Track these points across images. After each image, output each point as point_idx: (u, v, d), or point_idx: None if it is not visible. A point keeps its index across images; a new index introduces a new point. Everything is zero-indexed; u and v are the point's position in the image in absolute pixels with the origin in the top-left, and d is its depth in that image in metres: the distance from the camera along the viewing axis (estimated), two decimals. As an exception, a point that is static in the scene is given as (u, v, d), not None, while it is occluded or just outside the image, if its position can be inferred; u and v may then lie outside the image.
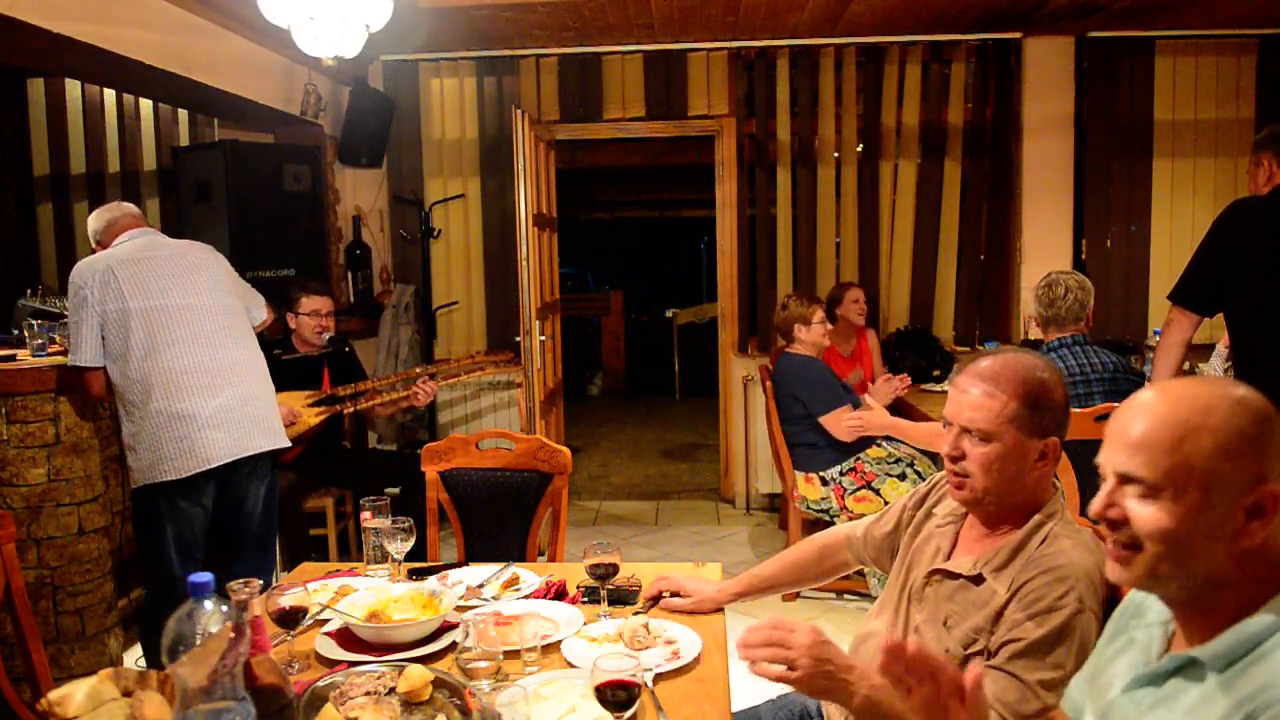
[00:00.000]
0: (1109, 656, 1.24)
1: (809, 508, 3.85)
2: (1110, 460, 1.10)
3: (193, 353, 2.76)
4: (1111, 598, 1.45)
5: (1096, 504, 1.10)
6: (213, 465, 2.74)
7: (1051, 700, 1.40)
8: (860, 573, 3.70)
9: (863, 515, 3.61)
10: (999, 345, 4.73)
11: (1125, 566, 1.09)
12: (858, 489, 3.71)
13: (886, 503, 3.56)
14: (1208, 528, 1.03)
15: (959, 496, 1.58)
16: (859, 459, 3.76)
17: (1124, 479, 1.08)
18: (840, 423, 3.71)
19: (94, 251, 2.96)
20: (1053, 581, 1.44)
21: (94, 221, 3.01)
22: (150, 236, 2.96)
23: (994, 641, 1.47)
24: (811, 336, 3.85)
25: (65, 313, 3.50)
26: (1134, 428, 1.08)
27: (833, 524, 3.64)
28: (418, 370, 4.06)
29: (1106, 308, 5.07)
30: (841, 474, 3.76)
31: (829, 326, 3.92)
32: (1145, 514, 1.06)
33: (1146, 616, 1.21)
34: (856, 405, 3.82)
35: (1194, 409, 1.05)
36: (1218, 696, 1.02)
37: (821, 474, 3.79)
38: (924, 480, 3.55)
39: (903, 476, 3.69)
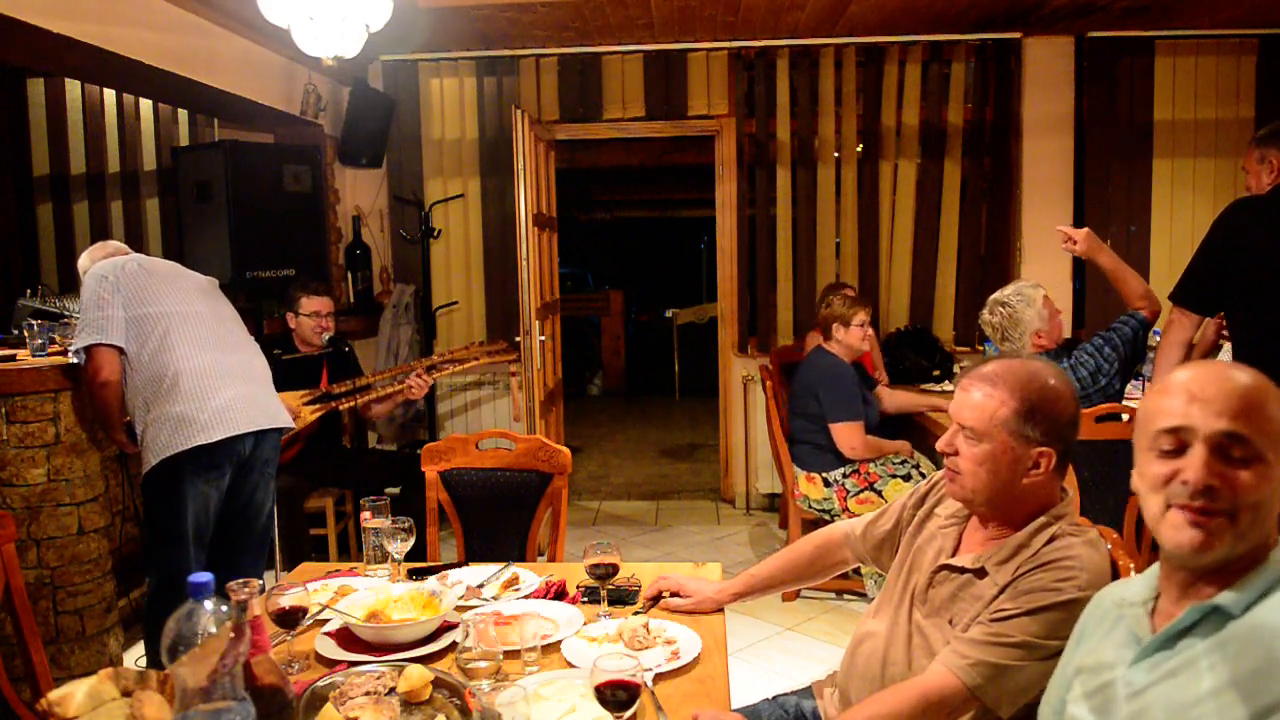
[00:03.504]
0: (1092, 642, 1.23)
1: (810, 506, 3.84)
2: (1209, 423, 1.07)
3: (206, 353, 2.82)
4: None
5: (1196, 473, 1.06)
6: (236, 432, 2.79)
7: (1011, 659, 1.42)
8: (858, 572, 3.72)
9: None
10: (998, 347, 4.72)
11: (1211, 536, 1.06)
12: (860, 491, 3.70)
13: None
14: (1277, 494, 1.07)
15: (951, 491, 1.61)
16: (864, 460, 3.75)
17: (1225, 442, 1.06)
18: (848, 436, 3.67)
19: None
20: (1054, 572, 1.44)
21: (94, 254, 3.01)
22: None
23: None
24: (849, 339, 3.78)
25: (65, 313, 3.51)
26: (1225, 391, 1.07)
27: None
28: (412, 365, 4.07)
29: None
30: (845, 476, 3.75)
31: (869, 331, 3.83)
32: (1249, 480, 1.05)
33: (1127, 594, 1.20)
34: (871, 424, 3.79)
35: (1260, 378, 1.10)
36: (1238, 644, 1.02)
37: (824, 474, 3.78)
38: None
39: (907, 478, 3.68)
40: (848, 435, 3.68)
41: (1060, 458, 1.52)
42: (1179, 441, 1.09)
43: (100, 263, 2.86)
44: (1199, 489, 1.06)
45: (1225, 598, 1.05)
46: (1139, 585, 1.19)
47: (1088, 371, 3.05)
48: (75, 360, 2.91)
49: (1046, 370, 1.54)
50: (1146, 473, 1.13)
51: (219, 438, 2.75)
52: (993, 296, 3.27)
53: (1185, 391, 1.10)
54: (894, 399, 4.15)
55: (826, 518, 3.76)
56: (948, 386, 4.54)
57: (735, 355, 5.31)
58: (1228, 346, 3.39)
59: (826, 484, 3.77)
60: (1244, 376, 1.09)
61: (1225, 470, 1.06)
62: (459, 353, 4.21)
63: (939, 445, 1.60)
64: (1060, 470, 1.54)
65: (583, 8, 4.28)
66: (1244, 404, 1.06)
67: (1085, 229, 3.18)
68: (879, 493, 3.67)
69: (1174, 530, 1.08)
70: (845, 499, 3.71)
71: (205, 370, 2.80)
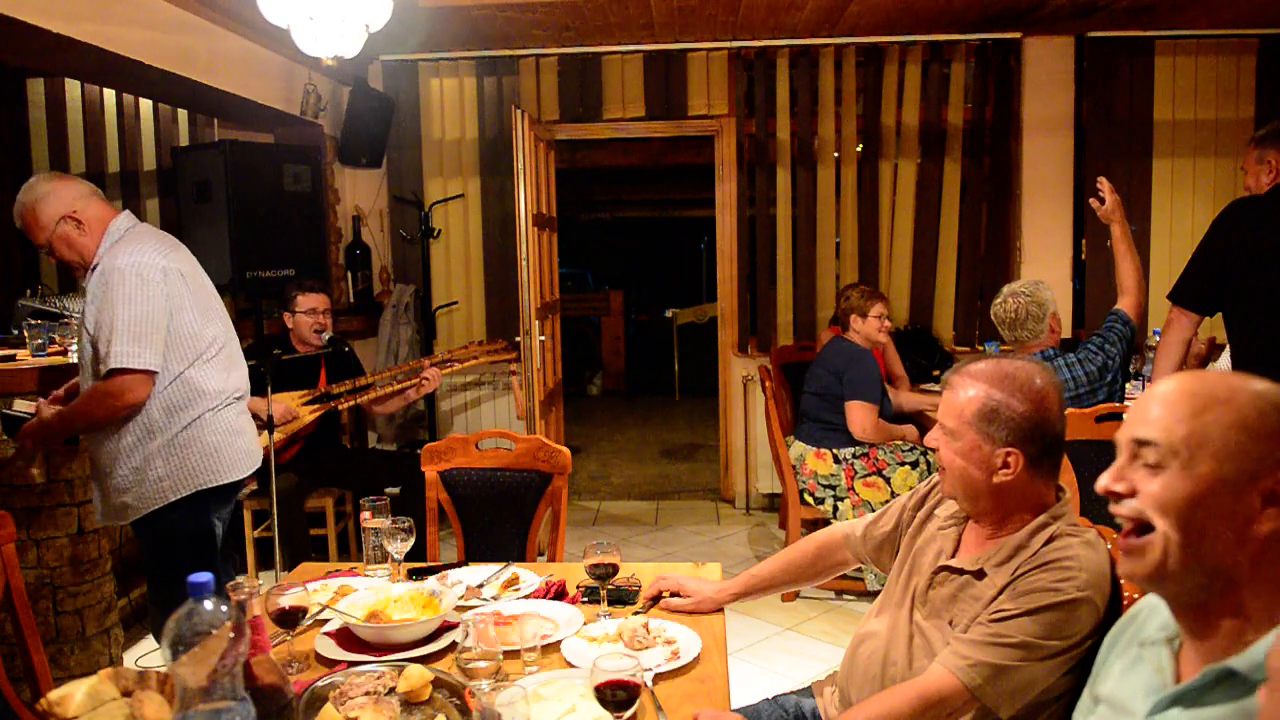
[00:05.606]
0: (1118, 672, 1.18)
1: (817, 481, 3.85)
2: (1125, 430, 1.07)
3: (226, 376, 2.62)
4: (1116, 601, 1.45)
5: (1106, 476, 1.06)
6: (257, 465, 2.68)
7: (1010, 659, 1.41)
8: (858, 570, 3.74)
9: (868, 500, 3.64)
10: (999, 346, 4.73)
11: (1137, 557, 1.03)
12: (868, 474, 3.75)
13: (894, 491, 3.67)
14: (1220, 507, 0.99)
15: (944, 489, 1.63)
16: (874, 445, 3.81)
17: (1137, 447, 1.04)
18: (861, 416, 3.74)
19: (61, 225, 2.44)
20: (1053, 572, 1.44)
21: (65, 190, 2.47)
22: (156, 231, 2.69)
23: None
24: (866, 330, 3.93)
25: (65, 313, 3.50)
26: (1154, 401, 1.05)
27: (837, 505, 3.69)
28: (422, 361, 4.09)
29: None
30: (854, 456, 3.80)
31: (887, 324, 3.97)
32: (1155, 483, 1.01)
33: (1147, 630, 1.15)
34: (888, 412, 3.87)
35: (1217, 387, 1.03)
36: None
37: (835, 451, 3.82)
38: (934, 468, 3.62)
39: (915, 465, 3.74)
40: (861, 415, 3.75)
41: (1034, 459, 1.50)
42: (1117, 453, 1.09)
43: (140, 259, 2.43)
44: (1105, 492, 1.05)
45: (1238, 661, 0.97)
46: (1158, 621, 1.14)
47: (1095, 367, 3.09)
48: (101, 369, 2.43)
49: (1027, 372, 1.52)
50: None
51: (250, 471, 2.63)
52: (1005, 289, 3.31)
53: (1137, 402, 1.09)
54: (897, 398, 4.18)
55: (831, 496, 3.80)
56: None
57: (735, 355, 5.31)
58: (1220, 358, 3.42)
59: (836, 460, 3.81)
60: (1190, 383, 1.05)
61: (1131, 474, 1.04)
62: (458, 352, 4.23)
63: (925, 440, 1.64)
64: (1042, 472, 1.52)
65: (583, 8, 4.28)
66: (1164, 409, 1.03)
67: (1118, 197, 3.22)
68: (886, 479, 3.72)
69: (1118, 556, 1.08)
70: (852, 479, 3.76)
71: (228, 397, 2.60)
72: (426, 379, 3.99)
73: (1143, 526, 1.03)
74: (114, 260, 2.43)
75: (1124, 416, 1.12)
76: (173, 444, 2.48)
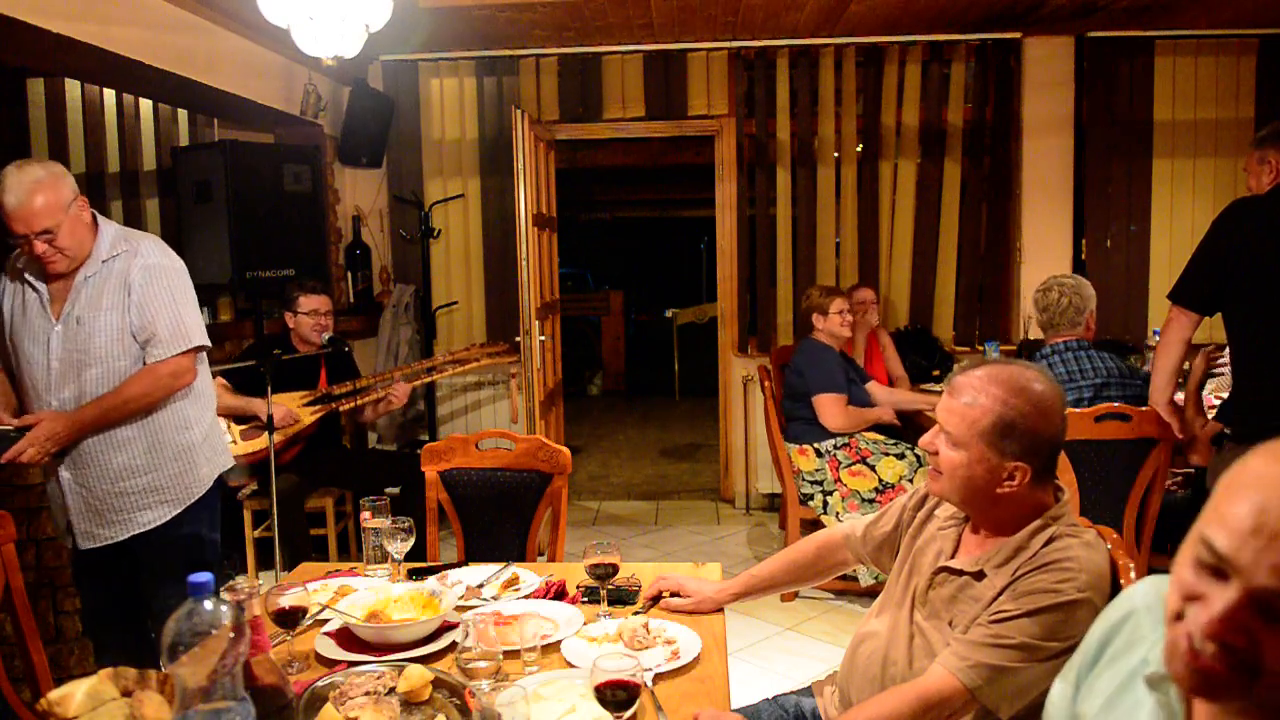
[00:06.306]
0: (1106, 695, 1.05)
1: (804, 479, 3.87)
2: (1258, 574, 0.79)
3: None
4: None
5: (1211, 623, 0.81)
6: None
7: (1010, 660, 1.41)
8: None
9: (857, 491, 3.66)
10: (999, 346, 4.73)
11: (1214, 689, 0.83)
12: (852, 463, 3.77)
13: (881, 479, 3.69)
14: None
15: (931, 488, 1.64)
16: (854, 436, 3.83)
17: (1274, 602, 0.78)
18: (829, 407, 3.80)
19: (74, 206, 2.31)
20: (1053, 573, 1.44)
21: (65, 178, 2.33)
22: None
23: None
24: (829, 326, 3.99)
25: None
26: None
27: (827, 500, 3.70)
28: (392, 373, 4.08)
29: (1106, 307, 5.07)
30: (836, 447, 3.82)
31: (849, 319, 4.02)
32: None
33: (1150, 659, 1.00)
34: (862, 400, 3.91)
35: None
36: None
37: (816, 445, 3.85)
38: (923, 462, 3.63)
39: (901, 456, 3.74)
40: (829, 406, 3.80)
41: (1039, 472, 1.51)
42: (1218, 566, 0.82)
43: (164, 247, 2.49)
44: (1209, 638, 0.81)
45: None
46: (1161, 649, 0.95)
47: (1116, 363, 3.13)
48: (159, 354, 2.42)
49: (1037, 382, 1.52)
50: (1181, 563, 0.86)
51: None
52: (1050, 278, 3.27)
53: (1259, 508, 0.79)
54: (890, 396, 4.17)
55: (820, 491, 3.81)
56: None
57: (735, 355, 5.31)
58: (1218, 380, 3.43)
59: (819, 454, 3.83)
60: None
61: (1259, 628, 0.79)
62: (459, 354, 4.22)
63: (921, 442, 1.62)
64: (1044, 481, 1.53)
65: (583, 8, 4.28)
66: None
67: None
68: (872, 467, 3.74)
69: (1175, 657, 0.85)
70: (838, 469, 3.78)
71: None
72: (394, 395, 3.92)
73: (1250, 668, 0.81)
74: (151, 252, 2.44)
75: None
76: (213, 428, 2.61)
